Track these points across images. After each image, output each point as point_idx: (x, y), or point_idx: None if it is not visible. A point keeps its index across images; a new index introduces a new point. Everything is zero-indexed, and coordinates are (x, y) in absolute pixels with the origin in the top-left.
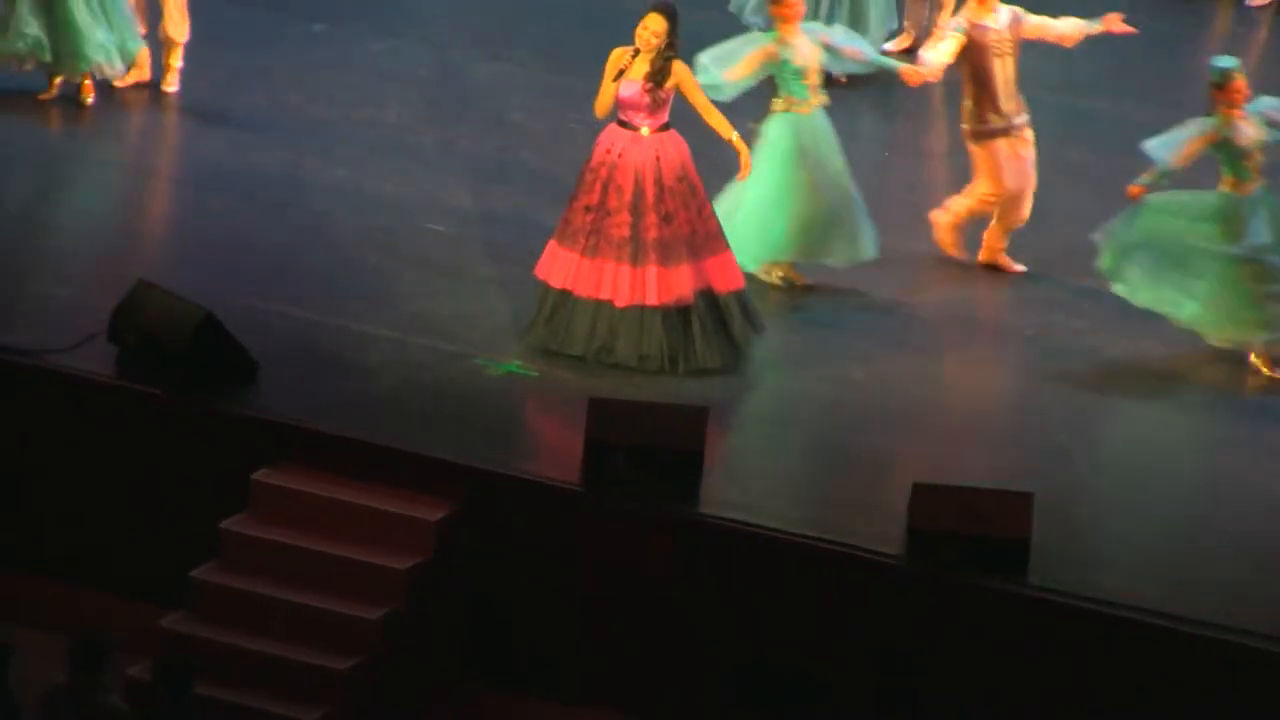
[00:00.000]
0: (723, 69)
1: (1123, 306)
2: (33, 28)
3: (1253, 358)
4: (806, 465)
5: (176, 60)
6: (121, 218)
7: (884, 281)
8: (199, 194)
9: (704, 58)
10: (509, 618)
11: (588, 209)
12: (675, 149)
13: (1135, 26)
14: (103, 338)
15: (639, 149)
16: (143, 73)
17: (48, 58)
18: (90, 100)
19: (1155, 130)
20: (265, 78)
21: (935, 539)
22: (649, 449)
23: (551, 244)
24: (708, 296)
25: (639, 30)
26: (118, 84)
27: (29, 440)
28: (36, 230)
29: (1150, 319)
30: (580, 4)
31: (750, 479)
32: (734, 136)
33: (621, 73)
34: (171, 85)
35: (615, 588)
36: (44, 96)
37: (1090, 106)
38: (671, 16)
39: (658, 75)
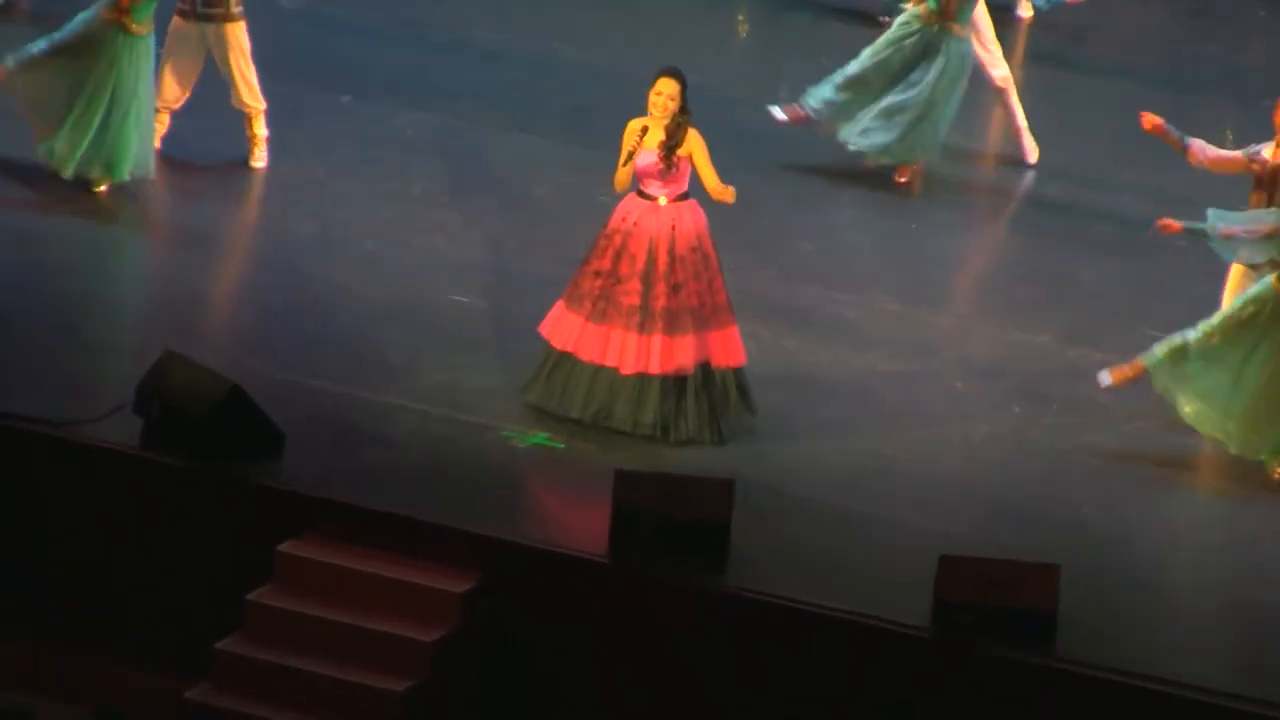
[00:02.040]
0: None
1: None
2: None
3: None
4: (833, 537)
5: (261, 128)
6: (147, 289)
7: (909, 353)
8: (225, 265)
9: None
10: (535, 688)
11: (597, 274)
12: (692, 218)
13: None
14: (129, 409)
15: (655, 219)
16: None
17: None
18: (104, 189)
19: (1182, 199)
20: (291, 149)
21: (961, 611)
22: (676, 521)
23: (559, 304)
24: (706, 369)
25: (652, 96)
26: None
27: (57, 510)
28: (63, 301)
29: None
30: (606, 78)
31: (777, 551)
32: (720, 194)
33: (632, 153)
34: (259, 160)
35: (641, 659)
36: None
37: (1115, 177)
38: (683, 79)
39: (672, 140)
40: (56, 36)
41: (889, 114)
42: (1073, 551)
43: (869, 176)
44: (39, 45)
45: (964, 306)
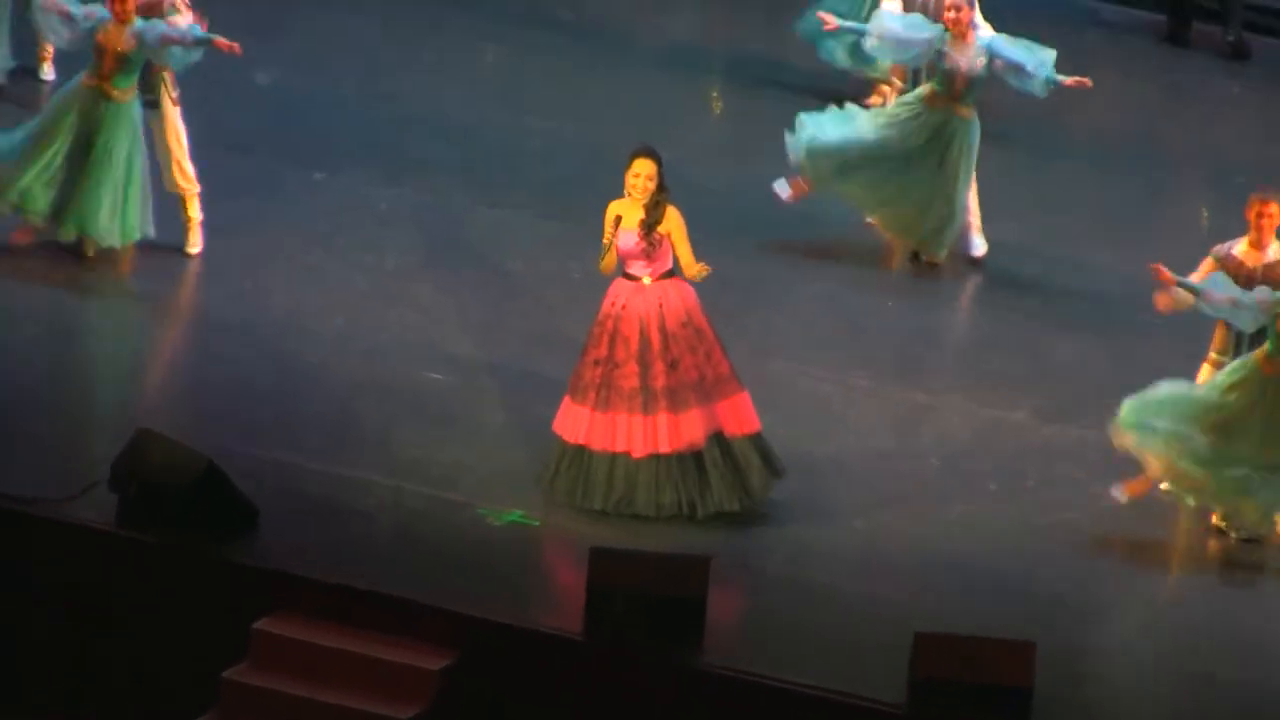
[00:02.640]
0: None
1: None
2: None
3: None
4: (808, 614)
5: (195, 212)
6: (122, 365)
7: (884, 429)
8: (199, 341)
9: None
10: None
11: (596, 362)
12: (679, 294)
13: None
14: (104, 486)
15: (642, 299)
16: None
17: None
18: (93, 252)
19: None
20: (264, 225)
21: (937, 688)
22: (651, 598)
23: (565, 399)
24: (720, 440)
25: (630, 178)
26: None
27: (30, 589)
28: (39, 378)
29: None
30: (580, 152)
31: (752, 628)
32: (694, 273)
33: (609, 243)
34: (194, 245)
35: None
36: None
37: (1090, 254)
38: (659, 158)
39: (652, 219)
40: (34, 126)
41: (917, 204)
42: (1049, 629)
43: (841, 252)
44: (17, 138)
45: (939, 383)
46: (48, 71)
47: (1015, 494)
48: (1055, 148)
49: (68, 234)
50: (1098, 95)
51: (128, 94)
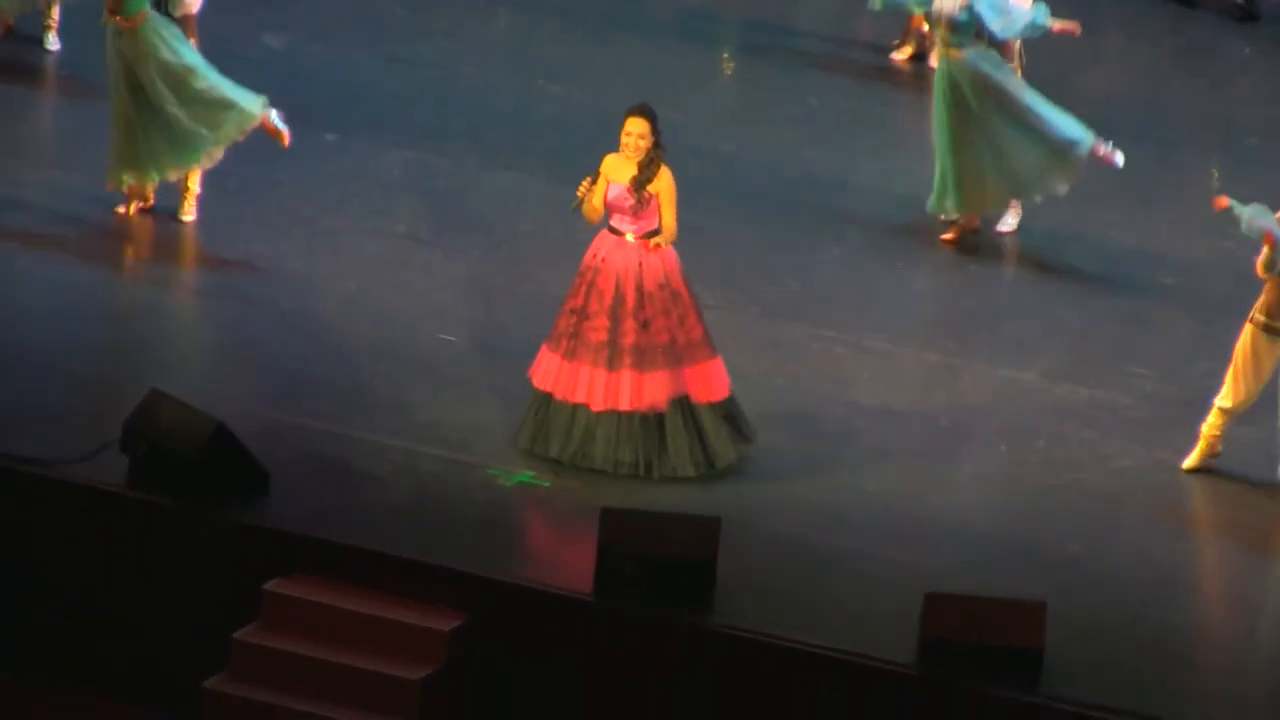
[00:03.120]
0: None
1: (1135, 417)
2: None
3: None
4: (819, 575)
5: (196, 184)
6: (134, 327)
7: (896, 390)
8: (211, 304)
9: None
10: None
11: (573, 312)
12: (660, 256)
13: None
14: (115, 448)
15: (622, 254)
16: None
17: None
18: (132, 209)
19: (1168, 236)
20: (277, 187)
21: (948, 648)
22: (661, 559)
23: (543, 345)
24: (684, 405)
25: (623, 136)
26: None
27: (42, 550)
28: (49, 340)
29: (1162, 429)
30: (591, 115)
31: (762, 589)
32: (657, 240)
33: (582, 198)
34: (189, 214)
35: (628, 697)
36: (121, 210)
37: (1101, 215)
38: (652, 116)
39: (644, 176)
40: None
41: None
42: (1059, 589)
43: (853, 217)
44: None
45: (950, 344)
46: (52, 41)
47: (1026, 455)
48: (1063, 108)
49: (165, 176)
50: (1108, 55)
51: (139, 19)
